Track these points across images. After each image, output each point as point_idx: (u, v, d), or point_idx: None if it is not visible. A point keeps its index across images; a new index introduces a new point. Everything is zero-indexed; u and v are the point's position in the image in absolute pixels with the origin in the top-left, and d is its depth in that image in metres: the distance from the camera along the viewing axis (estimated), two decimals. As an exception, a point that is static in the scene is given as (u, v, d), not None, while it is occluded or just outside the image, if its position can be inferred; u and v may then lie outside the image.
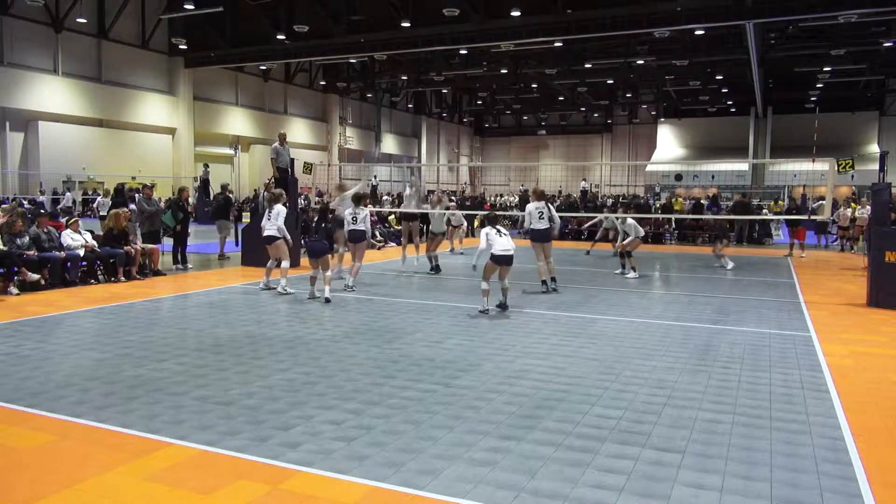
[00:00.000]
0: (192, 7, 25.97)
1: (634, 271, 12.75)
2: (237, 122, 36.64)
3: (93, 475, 3.75)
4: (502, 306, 8.85)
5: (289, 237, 10.40)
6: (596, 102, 48.98)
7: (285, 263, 10.20)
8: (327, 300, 9.36)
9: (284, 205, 10.54)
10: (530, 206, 10.73)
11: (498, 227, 8.71)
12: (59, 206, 23.16)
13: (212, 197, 28.52)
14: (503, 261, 8.52)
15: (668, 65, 34.16)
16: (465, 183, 53.34)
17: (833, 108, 42.26)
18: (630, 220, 13.18)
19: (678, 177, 43.08)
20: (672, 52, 31.72)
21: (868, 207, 15.50)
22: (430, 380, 5.66)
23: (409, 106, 51.55)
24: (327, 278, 9.58)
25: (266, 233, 10.30)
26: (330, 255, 9.89)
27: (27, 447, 4.15)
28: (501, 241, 8.51)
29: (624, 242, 13.17)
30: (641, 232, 13.22)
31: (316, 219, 10.15)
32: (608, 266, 14.57)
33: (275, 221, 10.22)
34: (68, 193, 27.03)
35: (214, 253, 16.07)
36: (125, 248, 11.28)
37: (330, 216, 10.13)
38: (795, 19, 24.17)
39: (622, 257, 13.31)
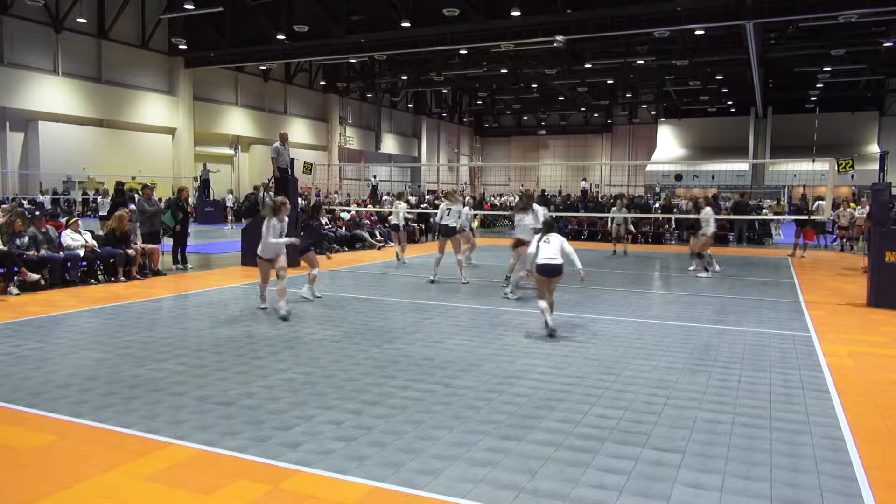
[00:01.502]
0: (192, 7, 25.97)
1: (707, 270, 12.66)
2: (237, 122, 36.63)
3: (93, 475, 3.75)
4: (551, 333, 7.46)
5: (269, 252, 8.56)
6: (596, 102, 48.98)
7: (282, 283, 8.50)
8: (307, 299, 9.21)
9: (280, 219, 8.64)
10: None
11: (549, 235, 7.60)
12: (40, 210, 20.40)
13: (211, 196, 28.64)
14: (545, 271, 7.45)
15: (668, 65, 34.13)
16: (465, 183, 53.34)
17: (833, 108, 42.25)
18: (708, 210, 12.97)
19: (678, 177, 43.09)
20: (672, 52, 31.70)
21: (868, 207, 15.50)
22: (430, 380, 5.66)
23: (409, 106, 51.53)
24: (311, 276, 9.49)
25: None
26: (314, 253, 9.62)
27: (27, 447, 4.15)
28: (546, 250, 7.46)
29: (699, 242, 12.97)
30: (713, 227, 12.98)
31: (305, 218, 9.84)
32: (608, 266, 14.57)
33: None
34: (47, 196, 25.49)
35: (215, 252, 16.08)
36: (126, 249, 11.29)
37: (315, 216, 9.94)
38: (795, 19, 24.15)
39: (698, 257, 13.10)
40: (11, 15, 25.56)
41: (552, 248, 7.47)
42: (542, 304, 7.55)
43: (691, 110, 48.69)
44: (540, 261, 7.46)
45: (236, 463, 3.93)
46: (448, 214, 11.64)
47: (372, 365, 6.12)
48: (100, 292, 10.11)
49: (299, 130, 39.86)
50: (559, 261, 7.42)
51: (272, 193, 15.11)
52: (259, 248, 8.62)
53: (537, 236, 7.66)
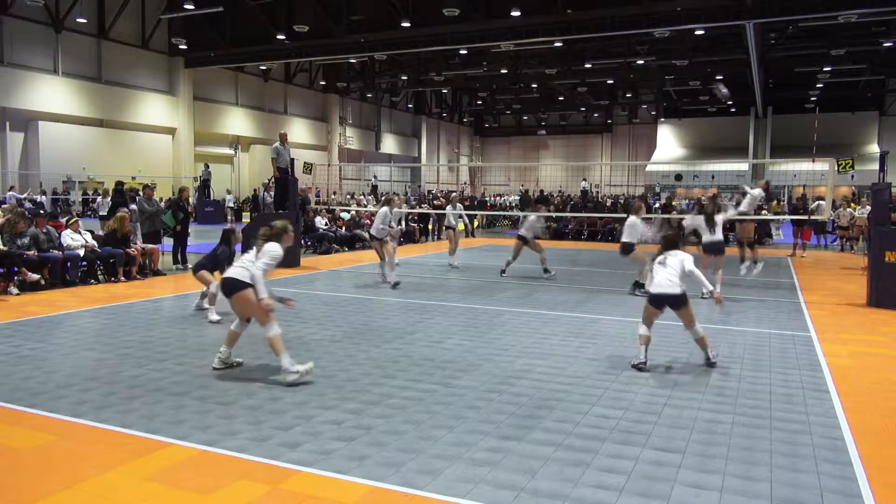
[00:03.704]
0: (192, 7, 25.98)
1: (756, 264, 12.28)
2: (237, 122, 36.63)
3: (93, 475, 3.75)
4: (708, 363, 6.24)
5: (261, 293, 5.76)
6: (596, 102, 48.98)
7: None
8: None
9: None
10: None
11: (669, 253, 6.21)
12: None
13: (211, 196, 28.64)
14: (657, 301, 6.10)
15: (668, 65, 34.14)
16: (465, 183, 53.35)
17: (833, 108, 42.25)
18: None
19: (678, 177, 43.08)
20: (672, 52, 31.71)
21: (868, 207, 15.51)
22: (430, 380, 5.66)
23: (409, 106, 51.52)
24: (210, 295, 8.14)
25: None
26: None
27: (27, 447, 4.15)
28: (662, 274, 6.10)
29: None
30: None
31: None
32: (609, 266, 14.57)
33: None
34: (11, 192, 22.89)
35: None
36: (126, 249, 11.28)
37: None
38: (795, 19, 24.17)
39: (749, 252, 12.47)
40: (11, 15, 25.56)
41: (669, 272, 6.05)
42: (642, 330, 6.13)
43: (691, 110, 48.70)
44: (653, 289, 6.13)
45: (236, 463, 3.93)
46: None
47: (372, 365, 6.12)
48: (100, 292, 10.11)
49: (299, 130, 39.87)
50: (677, 289, 5.98)
51: (272, 193, 15.12)
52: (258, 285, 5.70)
53: (652, 255, 6.44)
